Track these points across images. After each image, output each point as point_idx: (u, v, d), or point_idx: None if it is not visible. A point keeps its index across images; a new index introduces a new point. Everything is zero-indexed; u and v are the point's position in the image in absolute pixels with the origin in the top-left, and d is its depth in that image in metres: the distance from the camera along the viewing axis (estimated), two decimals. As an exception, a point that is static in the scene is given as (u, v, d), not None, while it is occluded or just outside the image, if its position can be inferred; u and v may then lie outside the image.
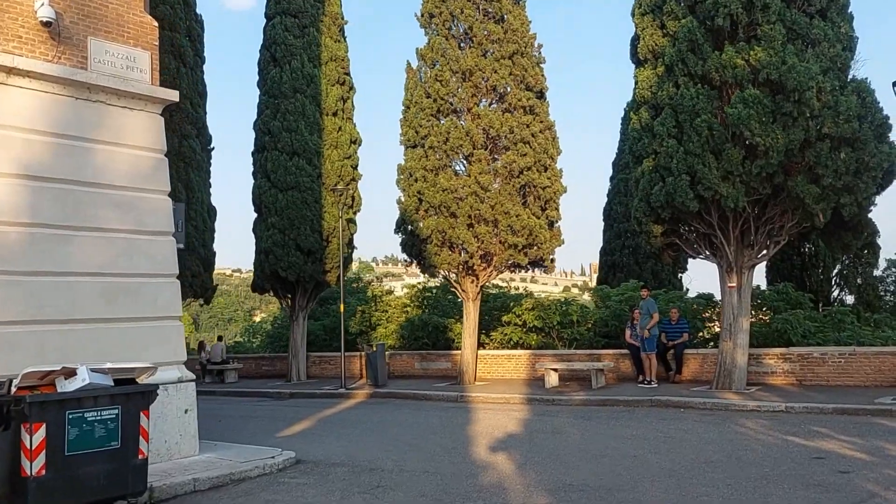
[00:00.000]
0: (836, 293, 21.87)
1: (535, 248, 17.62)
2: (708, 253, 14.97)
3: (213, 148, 26.69)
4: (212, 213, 26.25)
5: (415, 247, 18.24)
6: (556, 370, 17.05)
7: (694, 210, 13.79)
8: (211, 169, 26.73)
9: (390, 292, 27.99)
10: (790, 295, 18.21)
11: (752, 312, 18.42)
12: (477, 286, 18.28)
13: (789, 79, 12.65)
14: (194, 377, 10.01)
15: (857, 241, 14.60)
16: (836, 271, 21.81)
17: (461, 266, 17.76)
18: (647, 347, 16.02)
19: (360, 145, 22.29)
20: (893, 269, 23.75)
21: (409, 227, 18.17)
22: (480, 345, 21.07)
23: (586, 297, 25.70)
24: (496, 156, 17.60)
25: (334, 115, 21.54)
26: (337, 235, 20.99)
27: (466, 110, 17.74)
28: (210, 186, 26.45)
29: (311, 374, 22.70)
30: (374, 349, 19.05)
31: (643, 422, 12.11)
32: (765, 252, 14.68)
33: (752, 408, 12.85)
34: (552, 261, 18.56)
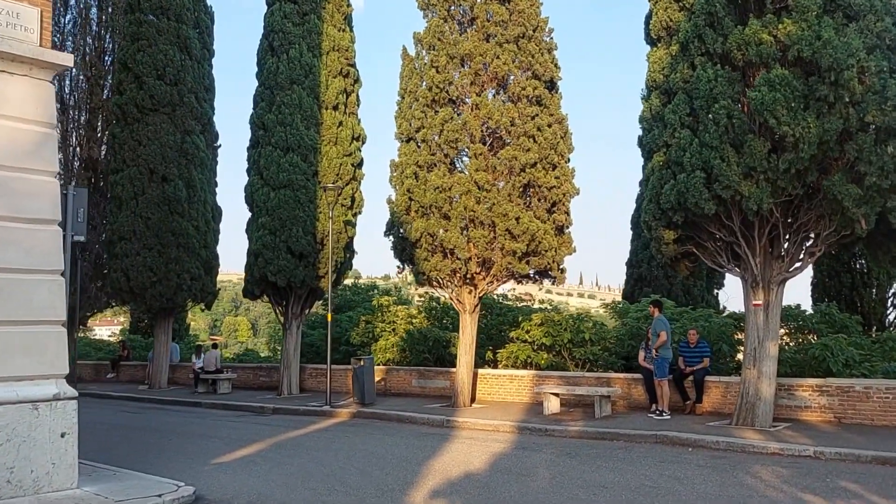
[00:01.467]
0: (892, 316, 19.23)
1: (539, 255, 15.64)
2: (731, 265, 12.81)
3: (220, 145, 25.54)
4: (216, 213, 25.02)
5: (405, 251, 16.45)
6: (557, 395, 15.02)
7: (710, 213, 11.68)
8: (217, 167, 25.57)
9: (406, 302, 26.27)
10: (835, 317, 15.82)
11: (790, 336, 16.14)
12: (475, 297, 16.39)
13: (824, 56, 10.49)
14: (76, 394, 8.38)
15: (910, 255, 12.26)
16: (892, 291, 19.19)
17: (454, 274, 15.90)
18: (658, 373, 13.89)
19: (364, 142, 20.66)
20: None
21: (400, 229, 16.40)
22: (486, 363, 19.18)
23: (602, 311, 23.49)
24: (498, 151, 15.71)
25: (335, 108, 19.95)
26: (332, 238, 19.34)
27: (464, 100, 15.94)
28: (216, 186, 25.24)
29: (306, 387, 21.08)
30: (362, 363, 17.29)
31: (636, 464, 10.06)
32: (798, 265, 12.44)
33: (773, 451, 10.67)
34: (562, 271, 16.53)
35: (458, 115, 15.80)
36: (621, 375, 15.60)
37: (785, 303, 17.14)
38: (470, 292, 16.35)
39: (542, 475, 9.38)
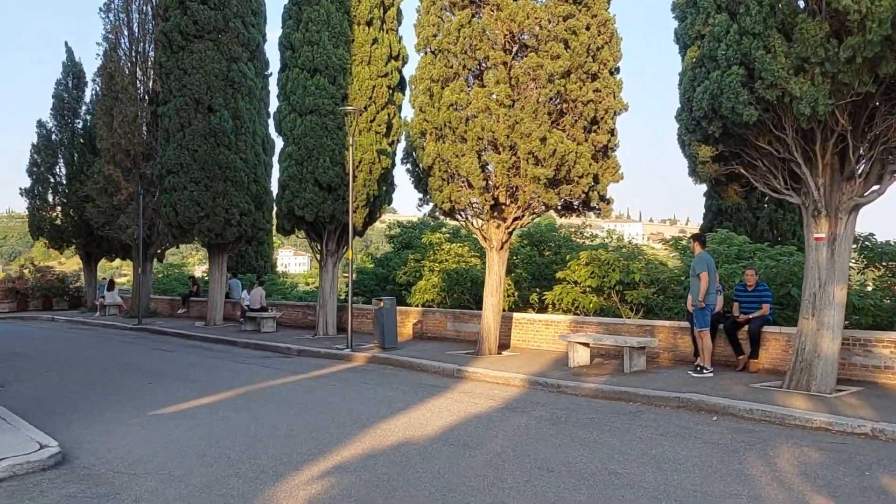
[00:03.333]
0: None
1: (571, 183, 13.36)
2: (788, 189, 10.15)
3: (271, 73, 24.25)
4: (268, 145, 23.92)
5: (422, 181, 14.57)
6: (586, 345, 12.91)
7: (750, 120, 9.07)
8: (269, 97, 24.39)
9: (467, 238, 24.38)
10: (944, 255, 12.74)
11: (882, 280, 13.22)
12: (503, 231, 14.34)
13: None
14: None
15: None
16: None
17: (473, 205, 13.92)
18: (697, 321, 11.48)
19: (405, 62, 18.70)
20: None
21: (414, 155, 14.50)
22: (531, 306, 17.22)
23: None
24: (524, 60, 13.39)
25: (368, 24, 18.04)
26: (364, 169, 17.70)
27: (487, 1, 13.64)
28: (267, 116, 24.08)
29: (346, 327, 19.76)
30: (383, 305, 15.72)
31: (626, 436, 7.97)
32: (875, 188, 9.63)
33: (818, 425, 8.26)
34: (607, 201, 14.23)
35: (476, 19, 13.55)
36: (666, 323, 13.23)
37: (884, 237, 14.11)
38: (497, 226, 14.31)
39: (491, 449, 7.48)
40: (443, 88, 13.66)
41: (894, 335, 10.44)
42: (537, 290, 17.32)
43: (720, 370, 11.76)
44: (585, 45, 13.11)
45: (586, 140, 13.46)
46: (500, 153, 13.31)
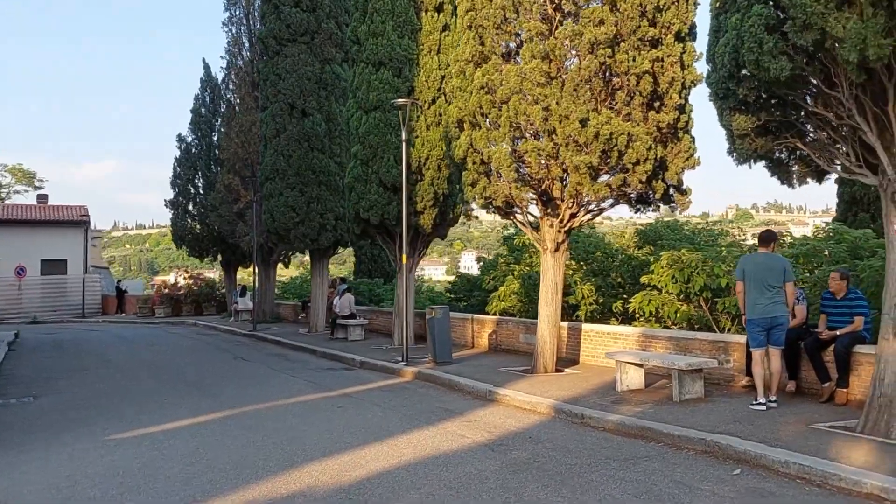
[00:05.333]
0: None
1: (627, 171, 11.27)
2: (860, 166, 7.63)
3: (367, 73, 23.42)
4: (366, 148, 23.14)
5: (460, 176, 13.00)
6: (639, 365, 10.77)
7: (781, 76, 6.77)
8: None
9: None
10: None
11: None
12: (557, 230, 12.46)
13: None
14: None
15: None
16: None
17: (506, 201, 12.17)
18: (749, 338, 9.06)
19: (481, 49, 17.15)
20: None
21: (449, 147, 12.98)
22: (613, 316, 15.12)
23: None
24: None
25: (437, 10, 16.69)
26: (431, 167, 16.37)
27: (523, -33, 11.85)
28: (364, 118, 23.31)
29: (425, 335, 18.51)
30: (434, 314, 14.28)
31: (588, 495, 6.14)
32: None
33: (869, 490, 5.96)
34: (682, 192, 12.00)
35: (511, -12, 11.80)
36: (743, 339, 10.76)
37: None
38: (551, 225, 12.47)
39: (390, 507, 5.92)
40: (476, 69, 12.05)
41: None
42: (624, 296, 15.16)
43: (799, 401, 9.27)
44: (639, 7, 11.01)
45: (645, 120, 11.31)
46: (538, 139, 11.50)
